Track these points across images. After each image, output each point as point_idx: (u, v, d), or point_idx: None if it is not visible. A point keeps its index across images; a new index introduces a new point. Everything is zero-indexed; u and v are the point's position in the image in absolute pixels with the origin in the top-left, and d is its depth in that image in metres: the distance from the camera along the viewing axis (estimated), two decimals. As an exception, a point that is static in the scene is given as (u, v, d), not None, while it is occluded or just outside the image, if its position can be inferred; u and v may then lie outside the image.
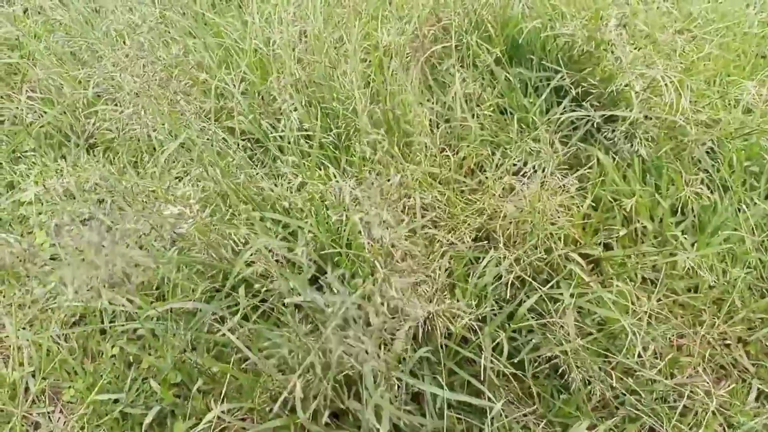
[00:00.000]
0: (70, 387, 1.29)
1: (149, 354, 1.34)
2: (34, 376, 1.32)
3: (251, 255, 1.09)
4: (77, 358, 1.33)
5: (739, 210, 1.67)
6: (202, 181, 1.29)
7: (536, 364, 1.31)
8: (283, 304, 1.16)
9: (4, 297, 1.43)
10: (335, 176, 1.35)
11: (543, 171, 1.55)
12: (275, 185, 1.31)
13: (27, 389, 1.30)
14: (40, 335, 1.33)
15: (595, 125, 1.73)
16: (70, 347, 1.34)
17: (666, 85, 1.71)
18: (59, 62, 1.89)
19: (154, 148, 1.56)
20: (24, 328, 1.37)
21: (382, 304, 1.01)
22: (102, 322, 1.38)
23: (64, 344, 1.35)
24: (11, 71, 2.07)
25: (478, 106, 1.82)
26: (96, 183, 1.20)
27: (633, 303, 1.38)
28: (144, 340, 1.37)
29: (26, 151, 1.78)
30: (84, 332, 1.35)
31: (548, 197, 1.35)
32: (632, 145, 1.64)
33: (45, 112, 1.82)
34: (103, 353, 1.35)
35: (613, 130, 1.71)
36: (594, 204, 1.62)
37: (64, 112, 1.80)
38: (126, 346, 1.31)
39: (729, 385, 1.41)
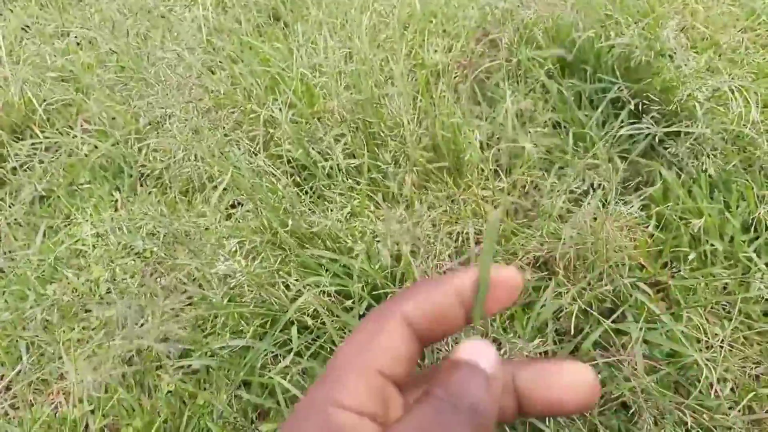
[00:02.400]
0: (128, 425, 1.30)
1: (204, 389, 1.34)
2: (93, 413, 1.34)
3: (303, 298, 1.07)
4: (134, 395, 1.34)
5: (818, 225, 1.55)
6: (251, 215, 1.28)
7: (603, 401, 1.24)
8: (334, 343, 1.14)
9: (63, 332, 1.46)
10: (382, 206, 1.32)
11: (602, 189, 1.49)
12: (326, 218, 1.28)
13: (87, 427, 1.32)
14: (98, 372, 1.35)
15: (656, 138, 1.65)
16: (127, 384, 1.35)
17: (732, 93, 1.61)
18: (111, 94, 1.93)
19: (208, 179, 1.57)
20: (84, 362, 1.39)
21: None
22: (158, 359, 1.39)
23: (121, 380, 1.36)
24: (67, 103, 2.12)
25: (530, 122, 1.75)
26: (148, 221, 1.21)
27: (705, 332, 1.30)
28: (199, 374, 1.37)
29: (82, 184, 1.82)
30: (140, 369, 1.36)
31: (610, 224, 1.28)
32: (698, 162, 1.55)
33: (100, 142, 1.86)
34: (159, 389, 1.35)
35: (677, 144, 1.62)
36: (657, 223, 1.54)
37: (117, 143, 1.83)
38: (181, 384, 1.32)
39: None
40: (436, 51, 1.82)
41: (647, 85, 1.75)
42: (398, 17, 1.97)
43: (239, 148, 1.28)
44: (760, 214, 1.48)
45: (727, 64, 1.88)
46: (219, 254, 0.97)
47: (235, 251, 0.95)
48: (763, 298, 1.42)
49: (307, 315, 1.11)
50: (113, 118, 1.90)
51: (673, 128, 1.53)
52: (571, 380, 0.31)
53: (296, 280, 1.12)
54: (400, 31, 1.87)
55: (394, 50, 1.78)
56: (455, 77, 1.80)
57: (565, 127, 1.80)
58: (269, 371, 1.23)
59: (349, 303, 1.22)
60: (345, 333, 1.18)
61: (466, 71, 1.88)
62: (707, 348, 1.29)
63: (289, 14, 2.25)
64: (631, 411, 1.17)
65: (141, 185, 1.77)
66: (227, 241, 0.95)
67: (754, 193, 1.58)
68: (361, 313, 1.21)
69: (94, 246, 1.61)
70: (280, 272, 1.11)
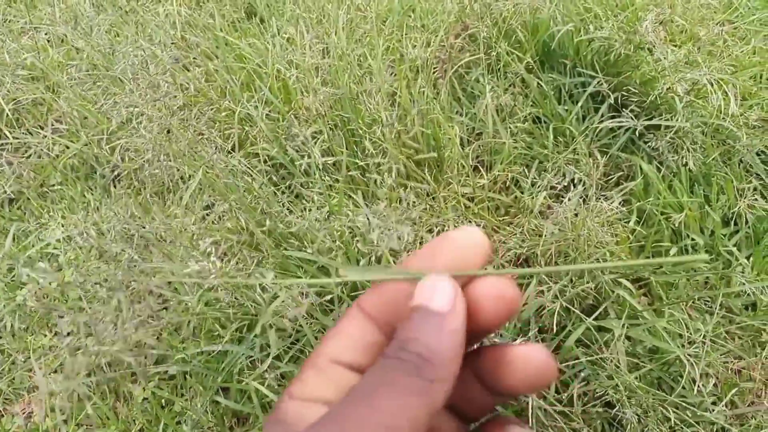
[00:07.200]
0: (102, 434, 1.27)
1: (181, 395, 1.31)
2: (66, 422, 1.30)
3: (279, 300, 1.04)
4: (109, 403, 1.30)
5: (798, 217, 1.56)
6: (227, 216, 1.25)
7: (586, 399, 1.23)
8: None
9: (34, 339, 1.41)
10: (360, 205, 1.29)
11: (582, 185, 1.47)
12: (302, 218, 1.25)
13: (60, 437, 1.28)
14: (71, 380, 1.31)
15: (636, 132, 1.64)
16: (101, 391, 1.31)
17: (711, 86, 1.61)
18: (82, 93, 1.88)
19: (181, 179, 1.53)
20: (55, 372, 1.35)
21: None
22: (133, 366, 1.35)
23: (95, 388, 1.32)
24: (37, 102, 2.06)
25: (510, 117, 1.74)
26: (119, 226, 1.17)
27: (687, 328, 1.29)
28: (175, 380, 1.34)
29: (53, 185, 1.76)
30: (115, 377, 1.32)
31: (591, 219, 1.26)
32: (678, 156, 1.54)
33: (71, 143, 1.81)
34: (134, 396, 1.32)
35: (656, 137, 1.61)
36: (639, 218, 1.53)
37: (89, 143, 1.78)
38: (157, 390, 1.28)
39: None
40: (414, 46, 1.80)
41: (626, 79, 1.74)
42: (376, 11, 1.94)
43: (213, 147, 1.25)
44: (739, 207, 1.48)
45: (706, 57, 1.88)
46: (192, 255, 0.93)
47: (210, 252, 0.91)
48: (744, 292, 1.42)
49: (285, 318, 1.08)
50: (85, 118, 1.85)
51: (654, 122, 1.53)
52: (525, 367, 0.29)
53: (272, 282, 1.09)
54: (378, 26, 1.84)
55: (372, 45, 1.75)
56: (434, 72, 1.77)
57: (545, 121, 1.78)
58: (248, 376, 1.20)
59: (328, 303, 1.20)
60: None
61: (446, 66, 1.86)
62: (690, 343, 1.29)
63: (265, 9, 2.21)
64: (615, 409, 1.16)
65: (114, 186, 1.72)
66: (201, 241, 0.92)
67: (733, 187, 1.58)
68: (341, 314, 1.18)
69: (66, 250, 1.57)
70: (258, 274, 1.08)
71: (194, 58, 1.84)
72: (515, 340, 1.20)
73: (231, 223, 1.18)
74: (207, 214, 1.36)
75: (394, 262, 1.19)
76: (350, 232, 1.21)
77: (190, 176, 1.21)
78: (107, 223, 1.28)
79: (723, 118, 1.58)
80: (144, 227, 1.17)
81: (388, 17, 2.12)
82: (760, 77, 2.01)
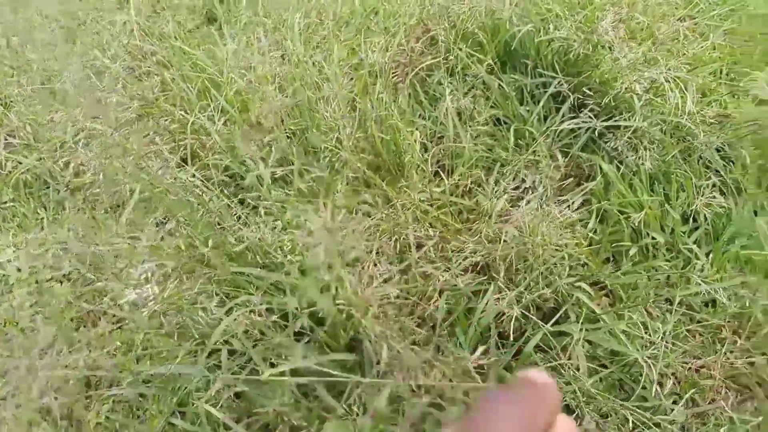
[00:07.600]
0: (55, 460, 1.23)
1: (137, 417, 1.28)
2: (17, 450, 1.26)
3: (226, 322, 1.01)
4: (60, 429, 1.27)
5: (756, 213, 1.56)
6: (177, 233, 1.22)
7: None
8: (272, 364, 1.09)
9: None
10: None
11: (543, 188, 1.47)
12: (257, 231, 1.23)
13: (11, 467, 1.24)
14: (22, 407, 1.27)
15: (596, 132, 1.63)
16: (53, 417, 1.28)
17: (669, 83, 1.61)
18: (31, 108, 1.83)
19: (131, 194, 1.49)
20: (4, 399, 1.31)
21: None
22: (87, 387, 1.31)
23: (47, 414, 1.28)
24: (-11, 115, 2.01)
25: (471, 120, 1.72)
26: (65, 248, 1.14)
27: (647, 329, 1.29)
28: (130, 402, 1.31)
29: (5, 202, 1.72)
30: (67, 400, 1.28)
31: (546, 224, 1.25)
32: (637, 155, 1.54)
33: (24, 158, 1.76)
34: (88, 421, 1.28)
35: (616, 137, 1.61)
36: (600, 218, 1.53)
37: (41, 158, 1.74)
38: (111, 414, 1.25)
39: (754, 407, 1.31)
40: (373, 51, 1.78)
41: (586, 78, 1.73)
42: (335, 15, 1.91)
43: (160, 161, 1.22)
44: (697, 205, 1.49)
45: (665, 54, 1.88)
46: (129, 281, 0.91)
47: (146, 278, 0.89)
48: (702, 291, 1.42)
49: (236, 337, 1.06)
50: (38, 131, 1.80)
51: (612, 122, 1.52)
52: None
53: (216, 305, 1.06)
54: (335, 32, 1.82)
55: (331, 50, 1.73)
56: (394, 77, 1.75)
57: (506, 123, 1.78)
58: (203, 396, 1.18)
59: (281, 319, 1.17)
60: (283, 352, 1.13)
61: (407, 70, 1.84)
62: (650, 343, 1.28)
63: (224, 15, 2.17)
64: (573, 415, 1.15)
65: (69, 200, 1.68)
66: (137, 267, 0.89)
67: (693, 184, 1.58)
68: (296, 330, 1.16)
69: (18, 269, 1.52)
70: (205, 293, 1.06)
71: (149, 68, 1.80)
72: (476, 349, 1.19)
73: (176, 242, 1.15)
74: (158, 231, 1.32)
75: (350, 272, 1.17)
76: (304, 245, 1.18)
77: (131, 193, 1.18)
78: (56, 244, 1.25)
79: (681, 116, 1.58)
80: (90, 247, 1.14)
81: (350, 20, 2.10)
82: (720, 73, 2.02)
